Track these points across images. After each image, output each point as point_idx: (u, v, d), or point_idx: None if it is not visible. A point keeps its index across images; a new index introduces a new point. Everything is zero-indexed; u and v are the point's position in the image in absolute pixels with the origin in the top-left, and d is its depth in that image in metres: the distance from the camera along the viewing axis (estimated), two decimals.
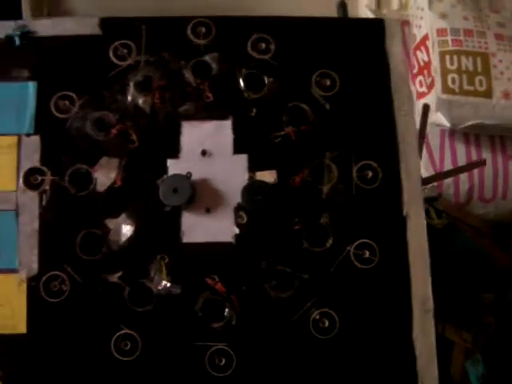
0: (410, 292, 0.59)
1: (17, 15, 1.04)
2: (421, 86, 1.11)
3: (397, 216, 0.60)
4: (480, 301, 0.81)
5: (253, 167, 0.60)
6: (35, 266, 0.59)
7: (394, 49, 0.63)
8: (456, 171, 0.97)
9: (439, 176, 0.94)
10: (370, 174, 0.61)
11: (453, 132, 1.11)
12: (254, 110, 0.62)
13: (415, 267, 0.59)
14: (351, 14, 1.06)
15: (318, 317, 0.58)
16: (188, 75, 0.62)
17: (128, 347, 0.57)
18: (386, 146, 0.61)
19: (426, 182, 0.80)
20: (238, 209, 0.60)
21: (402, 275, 0.59)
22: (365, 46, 0.64)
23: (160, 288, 0.58)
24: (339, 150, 0.61)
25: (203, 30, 0.63)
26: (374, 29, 0.64)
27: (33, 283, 0.58)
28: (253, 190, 0.59)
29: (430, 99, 1.06)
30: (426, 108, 0.77)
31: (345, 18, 0.78)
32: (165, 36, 0.63)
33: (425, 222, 0.60)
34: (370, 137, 0.62)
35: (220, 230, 0.59)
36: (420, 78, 1.12)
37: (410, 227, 0.60)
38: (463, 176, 1.06)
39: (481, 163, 0.97)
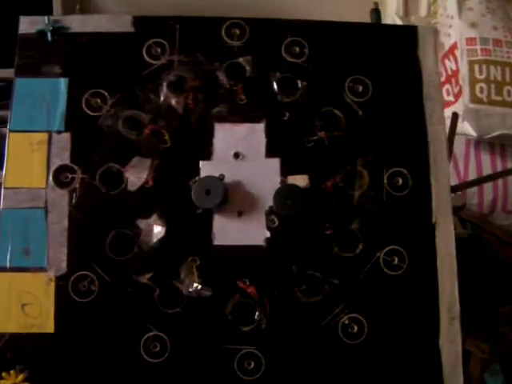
0: (437, 299, 0.59)
1: (47, 12, 1.02)
2: (448, 94, 1.10)
3: (426, 223, 0.60)
4: (497, 313, 0.81)
5: (285, 171, 0.60)
6: (64, 265, 0.58)
7: (427, 57, 0.63)
8: (485, 179, 0.97)
9: (467, 184, 0.94)
10: (401, 181, 0.61)
11: (478, 142, 1.11)
12: (287, 114, 0.61)
13: (443, 275, 0.59)
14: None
15: (346, 322, 0.58)
16: (221, 77, 0.62)
17: (157, 349, 0.57)
18: (417, 154, 0.62)
19: (453, 189, 0.81)
20: (269, 212, 0.60)
21: (429, 282, 0.59)
22: (398, 53, 0.64)
23: (190, 290, 0.58)
24: (371, 156, 0.61)
25: (237, 31, 0.63)
26: (408, 36, 0.64)
27: (61, 282, 0.58)
28: (284, 194, 0.59)
29: (457, 108, 1.05)
30: (455, 116, 0.78)
31: (378, 24, 0.78)
32: (198, 36, 0.63)
33: (453, 229, 0.61)
34: (401, 144, 0.62)
35: (251, 234, 0.59)
36: (447, 86, 1.11)
37: (438, 235, 0.60)
38: (487, 186, 1.06)
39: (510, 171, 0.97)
